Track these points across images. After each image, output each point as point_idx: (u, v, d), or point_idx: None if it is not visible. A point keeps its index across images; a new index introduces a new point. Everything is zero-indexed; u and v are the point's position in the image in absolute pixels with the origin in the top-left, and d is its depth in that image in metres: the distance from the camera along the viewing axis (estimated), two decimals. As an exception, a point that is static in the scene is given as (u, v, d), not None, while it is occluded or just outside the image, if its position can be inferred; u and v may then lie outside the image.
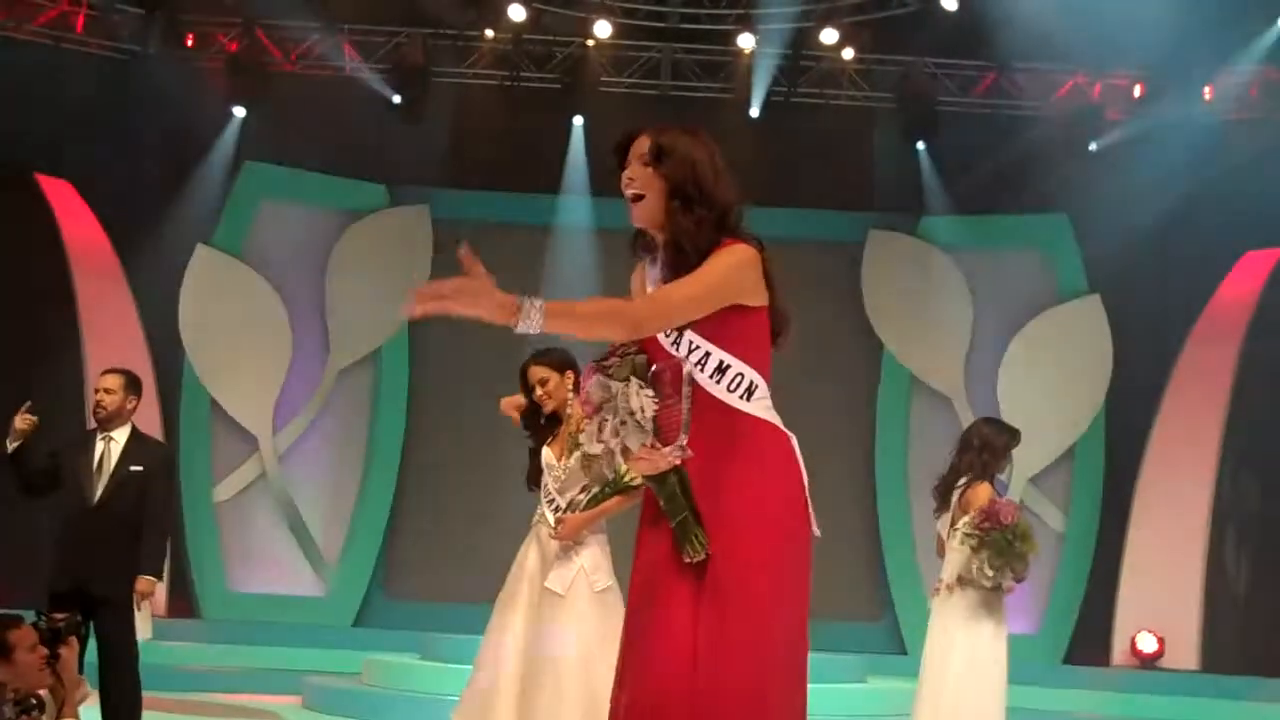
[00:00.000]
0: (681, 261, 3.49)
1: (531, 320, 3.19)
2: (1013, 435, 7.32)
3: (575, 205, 13.59)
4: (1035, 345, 13.53)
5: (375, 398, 13.76)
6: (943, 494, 7.27)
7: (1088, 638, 13.03)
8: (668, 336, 3.52)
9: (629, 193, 3.55)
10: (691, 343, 3.49)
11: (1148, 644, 12.70)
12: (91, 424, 7.24)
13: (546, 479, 6.11)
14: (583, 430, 3.58)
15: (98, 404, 7.09)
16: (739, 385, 3.50)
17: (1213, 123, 12.95)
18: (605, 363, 3.54)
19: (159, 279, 12.91)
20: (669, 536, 3.49)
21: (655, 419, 3.45)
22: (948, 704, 6.96)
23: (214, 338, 13.15)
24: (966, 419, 13.65)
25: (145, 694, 7.11)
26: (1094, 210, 13.20)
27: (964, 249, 13.77)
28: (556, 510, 6.06)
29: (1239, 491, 13.02)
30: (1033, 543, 6.97)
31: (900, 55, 13.44)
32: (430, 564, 13.39)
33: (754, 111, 13.41)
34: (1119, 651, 12.57)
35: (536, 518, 6.18)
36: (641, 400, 3.44)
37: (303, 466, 13.56)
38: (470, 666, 6.22)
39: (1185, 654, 12.78)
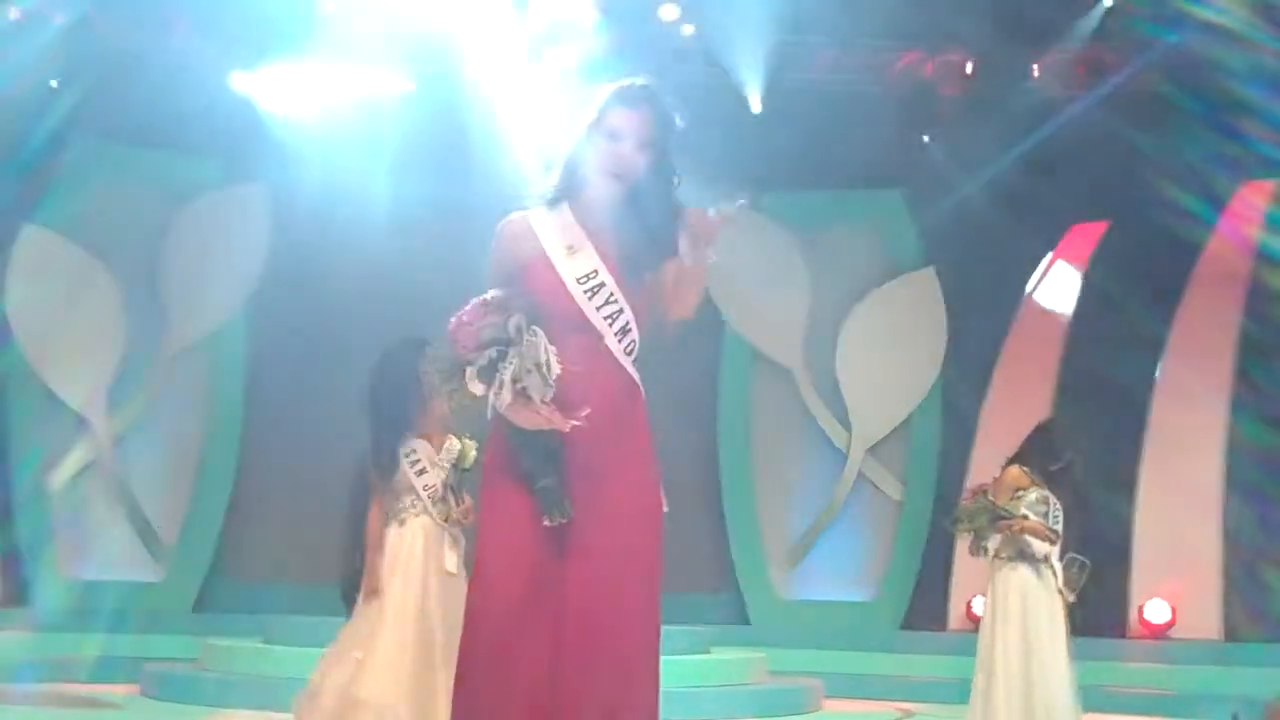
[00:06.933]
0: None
1: None
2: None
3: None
4: (872, 318, 13.78)
5: (213, 378, 13.52)
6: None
7: (925, 604, 13.32)
8: (592, 294, 3.54)
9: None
10: (611, 295, 3.55)
11: (983, 609, 13.00)
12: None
13: (428, 471, 6.04)
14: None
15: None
16: (633, 350, 3.59)
17: (1040, 99, 13.28)
18: (505, 301, 3.50)
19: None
20: (526, 496, 3.49)
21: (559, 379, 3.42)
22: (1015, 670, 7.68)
23: (44, 320, 12.77)
24: (807, 391, 13.89)
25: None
26: (927, 185, 13.47)
27: (802, 224, 13.96)
28: (435, 499, 6.04)
29: (1068, 458, 13.36)
30: (963, 523, 7.82)
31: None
32: (271, 545, 13.19)
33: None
34: (955, 616, 12.85)
35: (416, 511, 6.03)
36: (549, 355, 3.42)
37: (139, 449, 13.26)
38: (315, 649, 6.05)
39: (1018, 617, 13.11)
